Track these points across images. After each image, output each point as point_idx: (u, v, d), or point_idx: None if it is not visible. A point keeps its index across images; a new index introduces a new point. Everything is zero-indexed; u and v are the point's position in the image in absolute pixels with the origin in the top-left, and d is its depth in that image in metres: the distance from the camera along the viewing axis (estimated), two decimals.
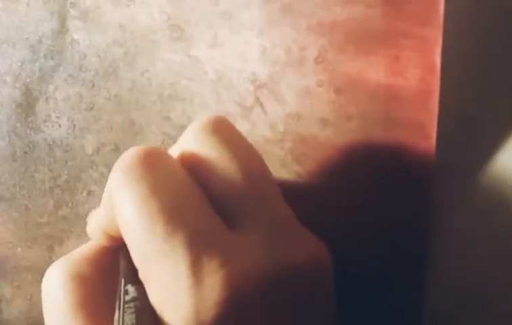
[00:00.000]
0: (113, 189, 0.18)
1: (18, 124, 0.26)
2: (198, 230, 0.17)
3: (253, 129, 0.24)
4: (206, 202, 0.18)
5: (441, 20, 0.20)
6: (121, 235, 0.18)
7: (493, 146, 0.22)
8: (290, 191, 0.21)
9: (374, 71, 0.22)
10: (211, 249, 0.16)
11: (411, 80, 0.22)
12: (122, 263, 0.19)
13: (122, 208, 0.17)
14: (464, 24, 0.21)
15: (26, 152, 0.26)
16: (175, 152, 0.20)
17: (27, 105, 0.26)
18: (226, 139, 0.19)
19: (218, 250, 0.16)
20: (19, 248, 0.26)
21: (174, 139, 0.25)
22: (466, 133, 0.22)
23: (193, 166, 0.19)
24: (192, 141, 0.19)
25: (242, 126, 0.24)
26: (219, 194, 0.18)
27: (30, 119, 0.26)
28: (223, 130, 0.19)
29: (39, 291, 0.25)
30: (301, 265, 0.18)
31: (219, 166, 0.18)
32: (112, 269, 0.20)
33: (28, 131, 0.26)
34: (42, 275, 0.26)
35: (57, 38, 0.25)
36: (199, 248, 0.16)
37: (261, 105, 0.24)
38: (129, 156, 0.18)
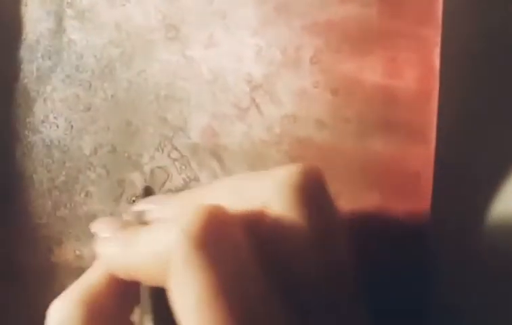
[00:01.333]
0: (178, 260, 0.15)
1: (16, 125, 0.26)
2: None
3: (250, 131, 0.23)
4: (280, 294, 0.15)
5: (439, 20, 0.20)
6: (149, 283, 0.17)
7: (494, 148, 0.22)
8: None
9: (370, 72, 0.21)
10: None
11: (409, 81, 0.21)
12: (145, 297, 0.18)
13: (189, 289, 0.15)
14: (463, 24, 0.20)
15: (24, 153, 0.26)
16: (249, 203, 0.17)
17: (25, 105, 0.26)
18: (317, 205, 0.16)
19: None
20: (18, 249, 0.26)
21: (171, 140, 0.25)
22: (467, 135, 0.22)
23: (269, 237, 0.16)
24: (276, 204, 0.16)
25: (239, 129, 0.23)
26: (293, 277, 0.16)
27: (28, 120, 0.26)
28: (314, 192, 0.16)
29: (39, 293, 0.26)
30: None
31: (300, 246, 0.16)
32: (126, 298, 0.19)
33: (26, 132, 0.26)
34: (41, 275, 0.26)
35: (54, 38, 0.25)
36: None
37: (257, 106, 0.23)
38: (196, 221, 0.15)
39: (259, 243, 0.16)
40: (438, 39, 0.20)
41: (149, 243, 0.17)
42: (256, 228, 0.16)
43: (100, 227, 0.20)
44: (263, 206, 0.16)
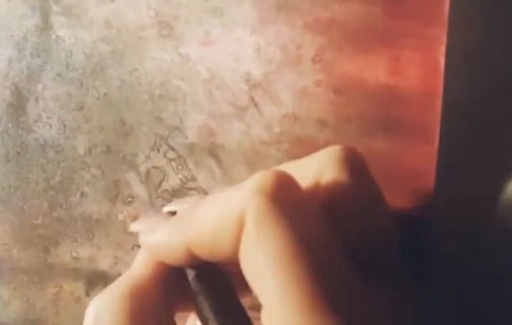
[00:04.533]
0: (254, 219, 0.15)
1: (10, 125, 0.25)
2: (345, 292, 0.15)
3: (248, 130, 0.23)
4: (344, 252, 0.16)
5: (445, 19, 0.19)
6: (213, 259, 0.16)
7: (497, 147, 0.21)
8: None
9: (374, 71, 0.21)
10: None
11: (412, 81, 0.20)
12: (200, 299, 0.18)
13: (268, 248, 0.15)
14: (469, 23, 0.19)
15: (18, 153, 0.25)
16: (305, 175, 0.18)
17: (17, 105, 0.25)
18: (366, 179, 0.17)
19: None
20: (15, 250, 0.26)
21: (166, 140, 0.24)
22: (471, 135, 0.21)
23: (330, 202, 0.17)
24: (329, 173, 0.17)
25: (237, 128, 0.23)
26: (354, 239, 0.16)
27: (21, 119, 0.25)
28: (363, 169, 0.17)
29: (35, 293, 0.25)
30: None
31: (358, 207, 0.17)
32: (172, 288, 0.19)
33: (20, 132, 0.25)
34: (38, 276, 0.25)
35: (41, 35, 0.24)
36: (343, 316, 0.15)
37: (256, 105, 0.22)
38: (268, 180, 0.15)
39: (320, 205, 0.16)
40: (443, 38, 0.19)
41: (215, 210, 0.16)
42: (314, 193, 0.17)
43: (142, 224, 0.19)
44: (317, 176, 0.17)
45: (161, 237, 0.18)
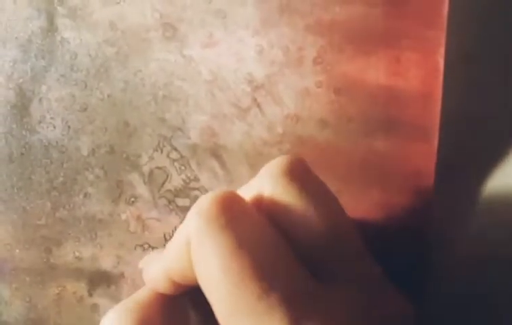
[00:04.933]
0: (194, 239, 0.16)
1: (14, 126, 0.25)
2: (295, 289, 0.16)
3: (250, 131, 0.23)
4: (295, 257, 0.16)
5: (444, 21, 0.19)
6: (190, 284, 0.17)
7: (496, 148, 0.21)
8: None
9: (374, 72, 0.21)
10: (310, 309, 0.15)
11: (412, 82, 0.21)
12: (192, 313, 0.19)
13: (207, 261, 0.16)
14: (467, 25, 0.20)
15: (22, 153, 0.26)
16: (248, 194, 0.18)
17: (21, 106, 0.25)
18: (308, 185, 0.17)
19: (316, 311, 0.15)
20: (17, 250, 0.26)
21: (169, 141, 0.24)
22: (469, 135, 0.21)
23: (273, 214, 0.17)
24: (270, 186, 0.18)
25: (239, 128, 0.23)
26: (304, 247, 0.17)
27: (25, 120, 0.25)
28: (304, 175, 0.18)
29: (38, 293, 0.25)
30: (388, 323, 0.17)
31: (303, 216, 0.17)
32: (172, 317, 0.20)
33: (24, 132, 0.25)
34: (40, 277, 0.26)
35: (46, 36, 0.24)
36: (297, 308, 0.15)
37: (259, 106, 0.23)
38: (208, 201, 0.16)
39: (262, 216, 0.17)
40: (443, 40, 0.20)
41: (173, 239, 0.18)
42: (257, 206, 0.18)
43: (146, 261, 0.21)
44: (259, 193, 0.18)
45: (151, 271, 0.20)
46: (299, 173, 0.18)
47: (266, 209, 0.18)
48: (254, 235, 0.16)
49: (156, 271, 0.19)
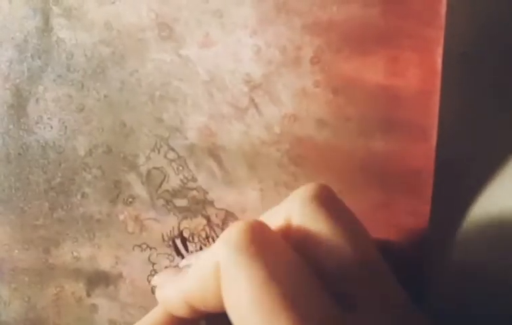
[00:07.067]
0: (224, 268, 0.16)
1: (11, 126, 0.25)
2: (326, 319, 0.15)
3: (248, 131, 0.23)
4: (323, 286, 0.16)
5: (442, 20, 0.19)
6: (210, 311, 0.17)
7: (494, 147, 0.21)
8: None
9: (372, 71, 0.21)
10: None
11: (411, 81, 0.21)
12: None
13: (238, 293, 0.16)
14: (465, 24, 0.20)
15: (19, 154, 0.25)
16: (274, 220, 0.18)
17: (18, 106, 0.25)
18: (335, 213, 0.17)
19: None
20: (16, 250, 0.26)
21: (167, 141, 0.24)
22: (467, 134, 0.21)
23: (301, 242, 0.17)
24: (298, 213, 0.18)
25: (237, 128, 0.23)
26: (332, 274, 0.17)
27: (22, 120, 0.25)
28: (331, 202, 0.18)
29: (36, 293, 0.26)
30: None
31: (331, 245, 0.17)
32: None
33: (21, 133, 0.25)
34: (39, 277, 0.26)
35: (42, 36, 0.24)
36: None
37: (256, 106, 0.23)
38: (236, 230, 0.17)
39: (290, 245, 0.17)
40: (441, 40, 0.20)
41: (197, 266, 0.18)
42: (285, 235, 0.18)
43: (159, 278, 0.21)
44: (287, 220, 0.18)
45: (167, 293, 0.20)
46: (326, 200, 0.18)
47: (294, 237, 0.18)
48: (283, 267, 0.16)
49: (175, 296, 0.19)
